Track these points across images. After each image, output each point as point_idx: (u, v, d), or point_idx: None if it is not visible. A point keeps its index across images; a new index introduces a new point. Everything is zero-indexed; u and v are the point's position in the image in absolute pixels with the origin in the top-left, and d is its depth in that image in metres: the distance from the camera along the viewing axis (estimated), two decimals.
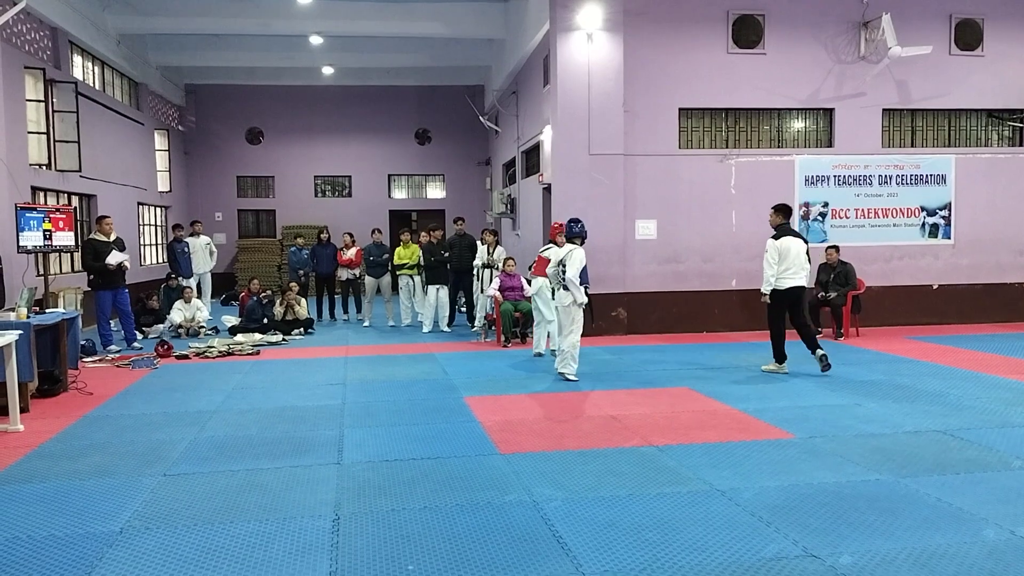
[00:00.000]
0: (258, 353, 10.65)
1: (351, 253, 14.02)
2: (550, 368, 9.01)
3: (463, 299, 13.32)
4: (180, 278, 13.75)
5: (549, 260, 9.46)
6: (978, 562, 3.79)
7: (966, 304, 12.60)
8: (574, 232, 8.54)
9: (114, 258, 10.56)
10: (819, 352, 8.58)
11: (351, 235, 14.49)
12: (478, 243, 12.42)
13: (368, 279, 13.65)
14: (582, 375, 8.41)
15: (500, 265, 11.81)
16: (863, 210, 12.54)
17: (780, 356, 8.81)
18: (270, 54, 18.76)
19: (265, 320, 12.48)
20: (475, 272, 12.26)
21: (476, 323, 12.28)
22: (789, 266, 8.56)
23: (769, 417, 6.68)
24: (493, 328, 11.50)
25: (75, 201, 13.84)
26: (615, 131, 11.67)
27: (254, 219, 21.89)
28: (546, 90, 13.47)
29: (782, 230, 8.73)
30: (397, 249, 13.31)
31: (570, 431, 6.34)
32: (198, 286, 14.74)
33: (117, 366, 9.67)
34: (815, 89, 12.38)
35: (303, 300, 13.11)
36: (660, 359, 9.76)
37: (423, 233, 12.86)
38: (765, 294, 8.71)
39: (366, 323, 13.62)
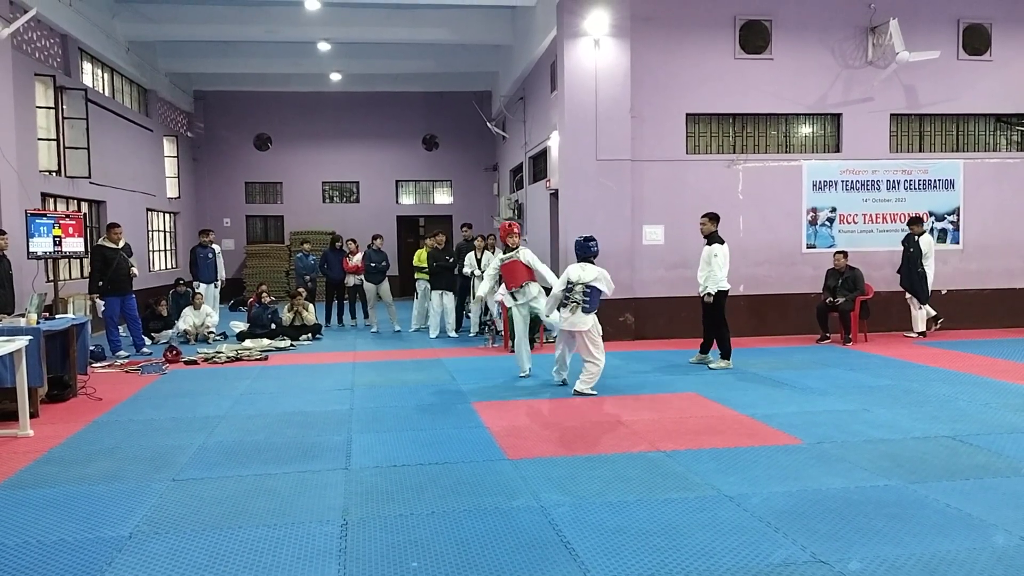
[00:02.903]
0: (266, 358, 10.69)
1: (357, 259, 14.06)
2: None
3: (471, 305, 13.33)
4: (198, 283, 13.73)
5: (516, 264, 8.84)
6: (987, 568, 3.78)
7: (975, 309, 12.55)
8: (592, 251, 8.06)
9: (134, 270, 10.85)
10: (708, 359, 9.52)
11: (355, 241, 14.58)
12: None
13: (367, 285, 13.66)
14: None
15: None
16: (871, 215, 12.52)
17: (728, 352, 9.45)
18: (278, 61, 18.87)
19: (273, 326, 12.53)
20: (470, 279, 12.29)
21: (473, 328, 12.37)
22: (729, 269, 9.36)
23: (777, 423, 6.67)
24: (500, 333, 11.51)
25: (85, 207, 13.92)
26: (622, 136, 11.68)
27: (262, 225, 21.98)
28: (553, 96, 13.49)
29: (716, 237, 9.39)
30: (417, 251, 13.51)
31: (578, 436, 6.33)
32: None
33: (126, 371, 9.72)
34: (823, 94, 12.37)
35: (311, 306, 13.18)
36: (668, 364, 9.75)
37: (436, 235, 12.96)
38: (711, 294, 9.27)
39: (374, 329, 13.64)
